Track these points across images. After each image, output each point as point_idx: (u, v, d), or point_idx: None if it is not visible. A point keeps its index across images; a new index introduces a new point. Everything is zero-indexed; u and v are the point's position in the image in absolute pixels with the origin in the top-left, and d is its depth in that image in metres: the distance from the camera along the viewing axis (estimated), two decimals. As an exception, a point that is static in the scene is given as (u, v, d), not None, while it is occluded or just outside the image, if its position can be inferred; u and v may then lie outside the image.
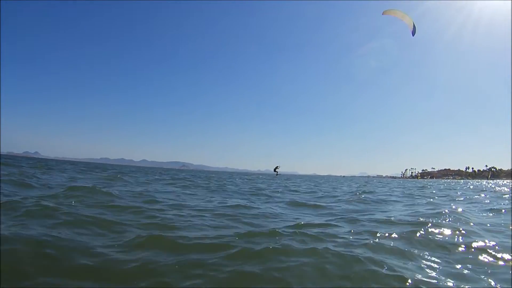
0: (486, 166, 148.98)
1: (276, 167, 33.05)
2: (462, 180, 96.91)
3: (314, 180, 42.98)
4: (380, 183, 34.86)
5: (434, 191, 17.14)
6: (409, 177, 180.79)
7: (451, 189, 20.88)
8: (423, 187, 24.85)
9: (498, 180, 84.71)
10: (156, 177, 19.59)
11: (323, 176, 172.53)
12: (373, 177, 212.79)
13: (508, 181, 67.41)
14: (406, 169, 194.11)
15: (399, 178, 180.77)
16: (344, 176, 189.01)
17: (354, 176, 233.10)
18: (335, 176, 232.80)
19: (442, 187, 26.78)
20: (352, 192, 13.86)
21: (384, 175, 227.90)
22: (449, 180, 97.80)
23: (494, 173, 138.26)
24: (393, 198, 11.02)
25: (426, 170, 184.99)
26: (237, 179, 25.29)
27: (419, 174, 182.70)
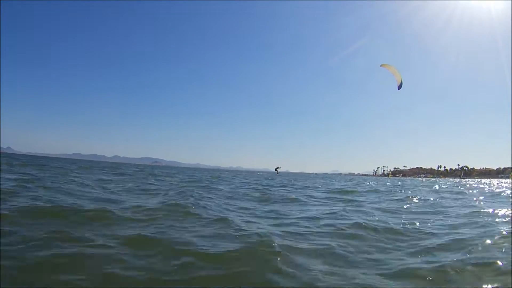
0: (458, 165, 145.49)
1: (277, 167, 35.74)
2: (437, 179, 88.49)
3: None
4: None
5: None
6: (381, 175, 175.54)
7: None
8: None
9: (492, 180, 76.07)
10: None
11: (296, 174, 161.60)
12: (345, 174, 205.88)
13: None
14: (378, 167, 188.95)
15: (371, 175, 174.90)
16: (316, 174, 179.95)
17: (326, 174, 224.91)
18: (307, 173, 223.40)
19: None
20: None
21: (356, 173, 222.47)
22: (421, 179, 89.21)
23: (466, 172, 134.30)
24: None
25: (398, 168, 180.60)
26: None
27: (390, 172, 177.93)
